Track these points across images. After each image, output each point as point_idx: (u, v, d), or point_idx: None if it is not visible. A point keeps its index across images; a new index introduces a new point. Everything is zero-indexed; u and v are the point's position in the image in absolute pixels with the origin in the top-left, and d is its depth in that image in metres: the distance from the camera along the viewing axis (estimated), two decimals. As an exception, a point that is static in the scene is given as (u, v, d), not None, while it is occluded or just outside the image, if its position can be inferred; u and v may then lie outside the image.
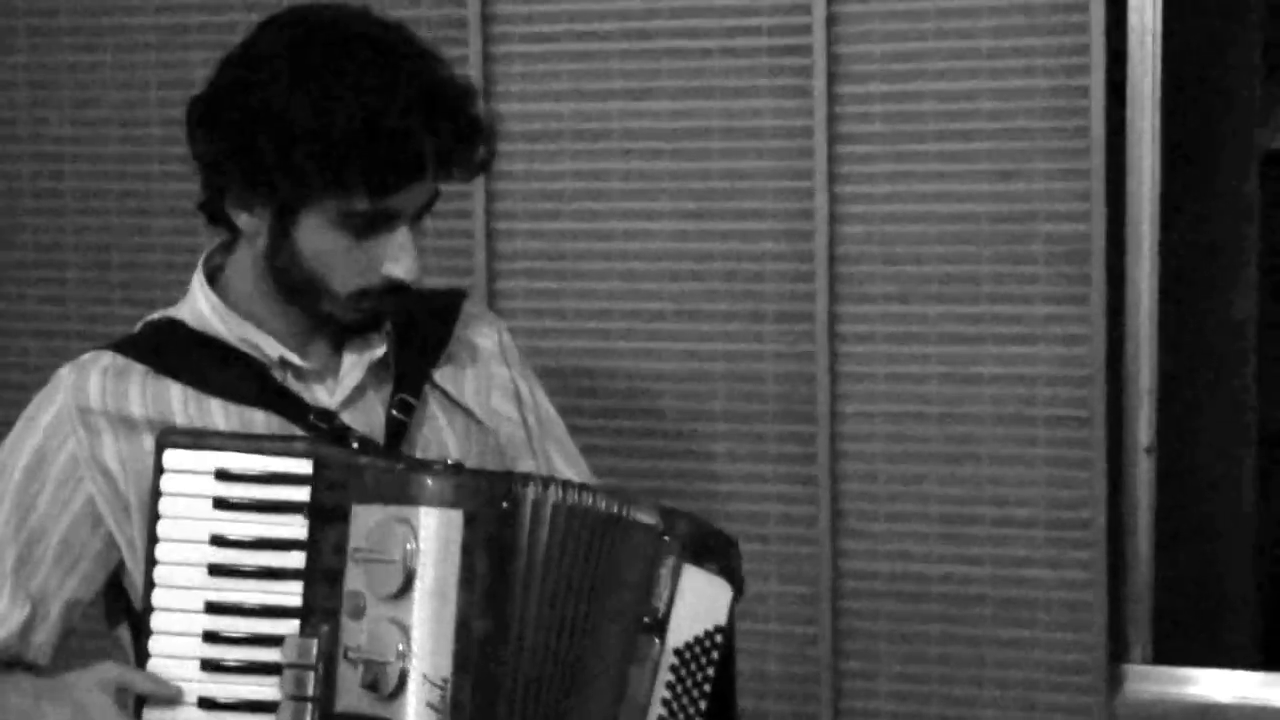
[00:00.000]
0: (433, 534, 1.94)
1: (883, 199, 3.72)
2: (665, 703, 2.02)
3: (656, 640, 2.03)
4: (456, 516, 1.95)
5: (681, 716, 2.04)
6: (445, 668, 1.93)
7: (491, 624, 1.95)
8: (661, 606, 2.03)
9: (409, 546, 1.93)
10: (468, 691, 1.93)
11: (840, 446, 3.77)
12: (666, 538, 2.05)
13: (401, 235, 2.06)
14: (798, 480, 3.80)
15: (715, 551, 2.08)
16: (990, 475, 3.70)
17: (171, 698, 1.97)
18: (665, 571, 2.04)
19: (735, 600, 2.09)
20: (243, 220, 2.10)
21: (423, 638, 1.93)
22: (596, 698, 2.00)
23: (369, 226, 2.05)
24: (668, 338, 3.82)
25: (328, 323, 2.14)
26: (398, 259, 2.07)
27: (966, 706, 3.74)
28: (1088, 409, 3.63)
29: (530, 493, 1.99)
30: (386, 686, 1.93)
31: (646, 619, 2.02)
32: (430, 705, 1.92)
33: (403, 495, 1.95)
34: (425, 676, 1.93)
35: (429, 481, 1.96)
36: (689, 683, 2.04)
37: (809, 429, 3.77)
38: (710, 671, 2.06)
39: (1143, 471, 3.78)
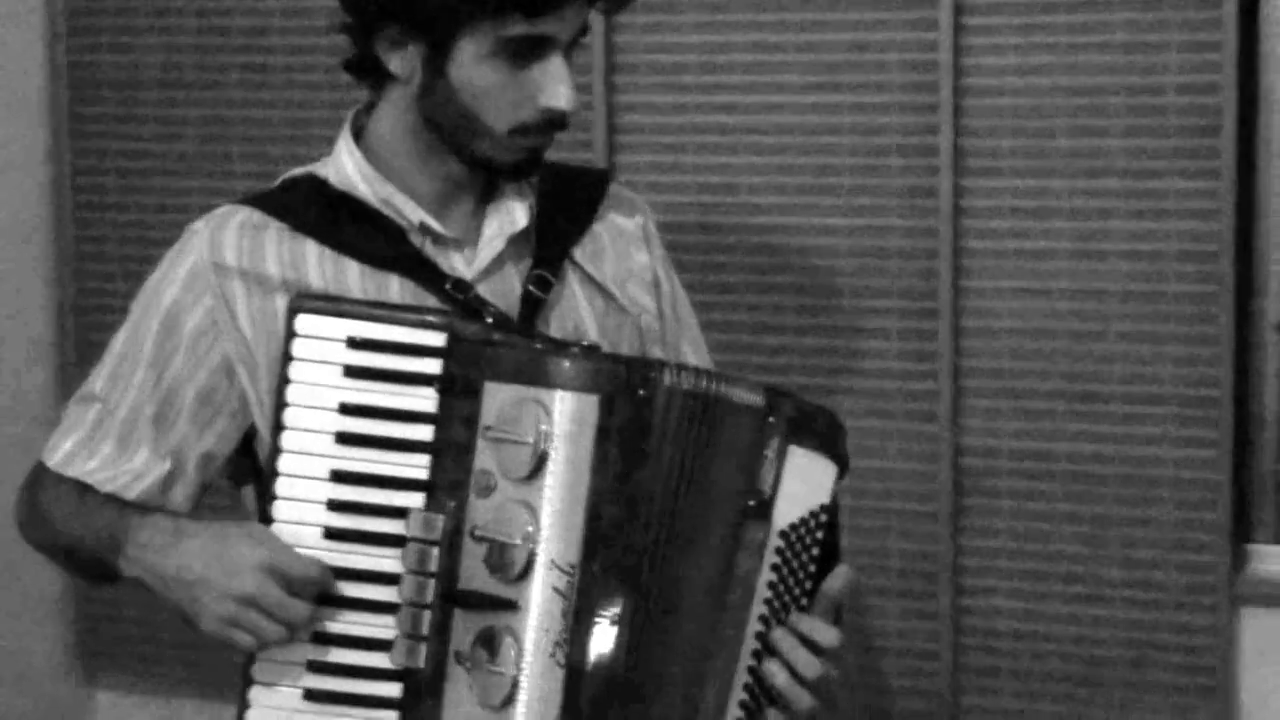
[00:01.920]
0: (567, 417, 1.92)
1: (1011, 71, 3.66)
2: (771, 585, 1.99)
3: (763, 523, 2.00)
4: (592, 401, 1.92)
5: (788, 596, 2.01)
6: (573, 553, 1.91)
7: (622, 511, 1.92)
8: (767, 489, 1.99)
9: (542, 428, 1.91)
10: (595, 578, 1.91)
11: (963, 323, 3.73)
12: (771, 419, 2.00)
13: (557, 63, 2.02)
14: (921, 357, 3.77)
15: (819, 431, 2.04)
16: (1117, 352, 3.66)
17: (316, 581, 1.96)
18: (770, 453, 2.00)
19: (840, 478, 2.06)
20: (395, 63, 2.05)
21: (552, 522, 1.91)
22: (706, 581, 1.97)
23: (525, 54, 2.01)
24: (793, 211, 3.79)
25: (484, 168, 2.09)
26: (555, 88, 2.02)
27: (1089, 584, 3.72)
28: (1217, 284, 3.57)
29: (665, 379, 1.95)
30: (512, 569, 1.91)
31: (753, 502, 1.99)
32: (556, 590, 1.91)
33: (538, 376, 1.93)
34: (553, 561, 1.91)
35: (566, 364, 1.93)
36: (794, 564, 2.01)
37: (931, 305, 3.74)
38: (815, 551, 2.03)
39: (1271, 349, 3.72)
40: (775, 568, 2.00)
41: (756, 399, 2.00)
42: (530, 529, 1.91)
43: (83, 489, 2.10)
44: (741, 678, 1.99)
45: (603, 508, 1.92)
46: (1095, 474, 3.69)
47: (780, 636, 2.00)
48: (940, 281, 3.72)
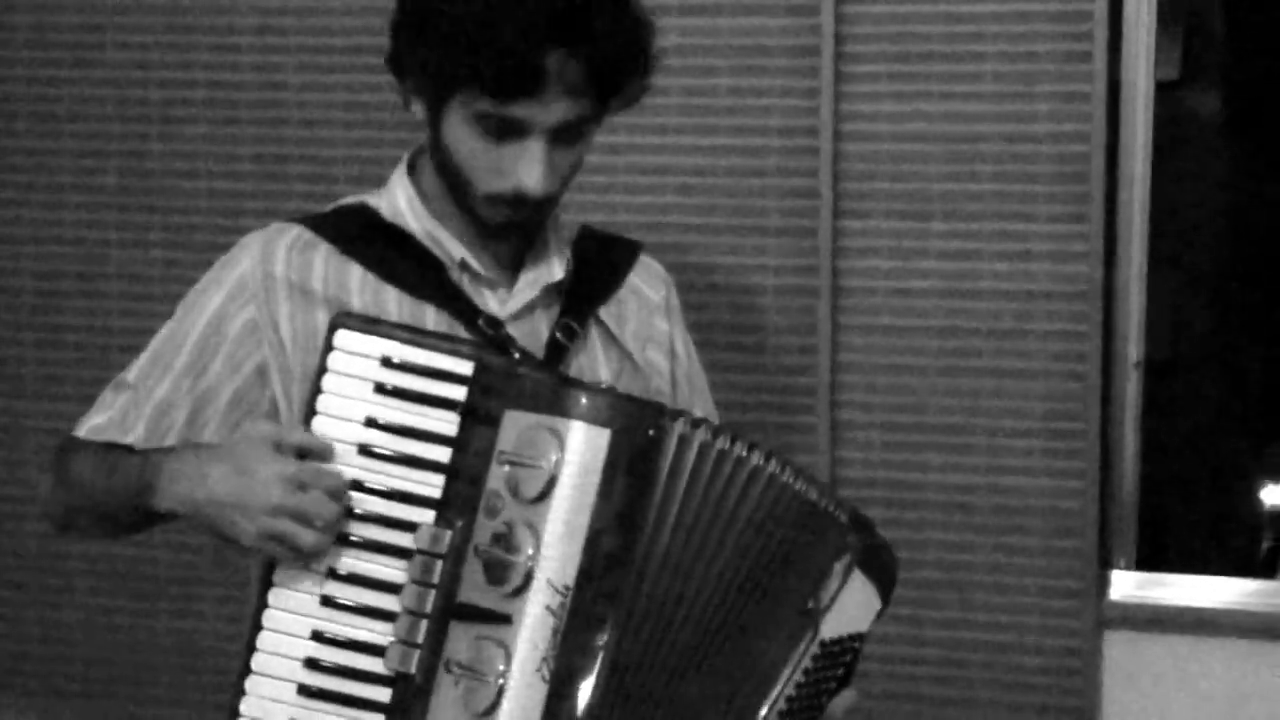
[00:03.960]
0: (579, 447, 2.00)
1: (887, 117, 3.80)
2: (799, 685, 2.08)
3: (810, 628, 2.09)
4: (604, 434, 2.00)
5: (807, 703, 2.11)
6: (569, 576, 1.99)
7: (620, 543, 2.00)
8: (826, 599, 2.09)
9: (555, 456, 2.00)
10: (587, 602, 2.00)
11: (840, 358, 3.87)
12: (850, 538, 2.12)
13: (532, 147, 2.08)
14: (799, 391, 3.90)
15: (881, 564, 2.16)
16: (988, 388, 3.81)
17: (321, 449, 2.04)
18: (839, 568, 2.10)
19: (880, 614, 2.17)
20: (414, 109, 2.16)
21: (553, 542, 1.99)
22: (733, 659, 2.06)
23: (499, 131, 2.08)
24: (673, 251, 3.87)
25: (475, 220, 2.19)
26: (524, 170, 2.10)
27: (960, 609, 3.88)
28: (1083, 324, 3.74)
29: (678, 426, 2.03)
30: (510, 584, 1.99)
31: (810, 604, 2.08)
32: (549, 609, 1.99)
33: (556, 406, 2.01)
34: (549, 580, 1.99)
35: (583, 397, 2.01)
36: (823, 675, 2.11)
37: (811, 340, 3.87)
38: (840, 672, 2.14)
39: (1132, 386, 3.89)
40: (807, 672, 2.09)
41: (840, 514, 2.12)
42: (531, 549, 2.00)
43: (111, 447, 2.19)
44: None
45: (603, 536, 2.00)
46: (966, 504, 3.84)
47: None
48: (819, 318, 3.84)
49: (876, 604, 2.16)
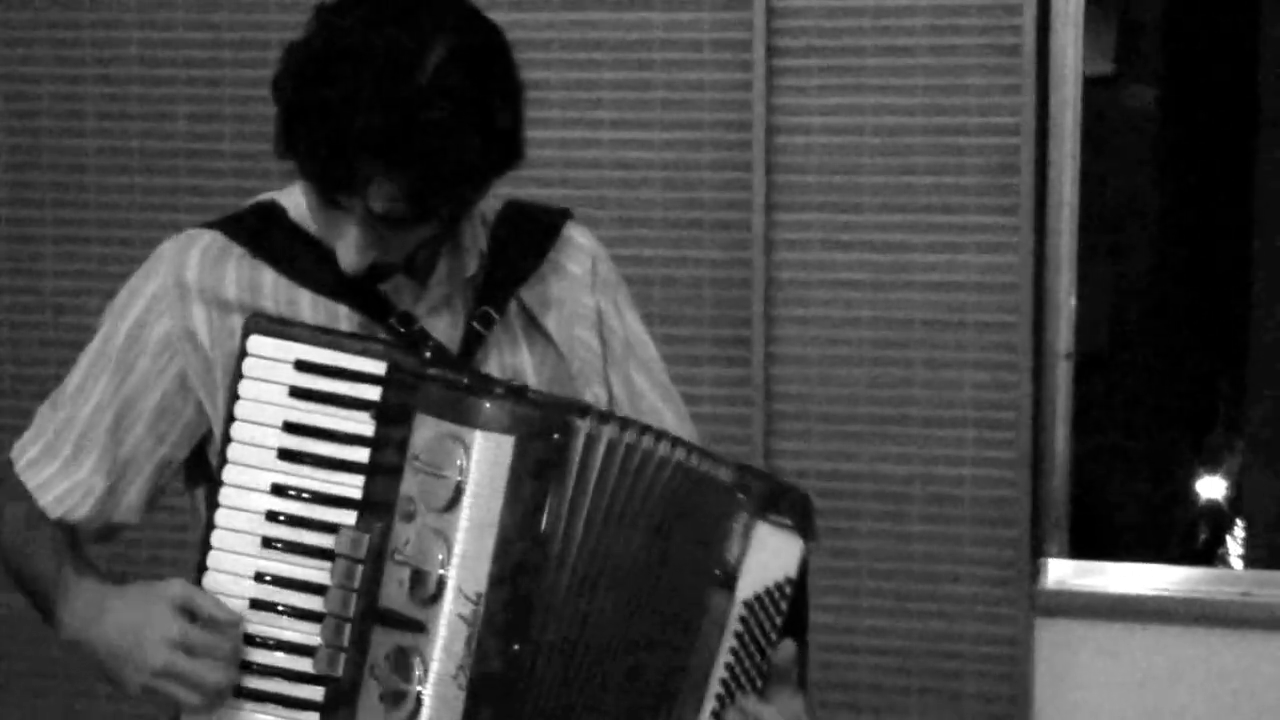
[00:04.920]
0: (483, 456, 2.00)
1: (818, 110, 3.83)
2: (733, 650, 2.09)
3: (727, 593, 2.08)
4: (507, 442, 2.00)
5: (749, 662, 2.10)
6: (480, 584, 2.00)
7: (530, 548, 2.01)
8: (732, 560, 2.08)
9: (460, 463, 2.00)
10: (500, 609, 2.00)
11: (774, 350, 3.90)
12: (740, 495, 2.09)
13: (348, 230, 2.06)
14: (732, 383, 3.93)
15: (787, 507, 2.13)
16: (920, 378, 3.85)
17: (230, 620, 2.04)
18: (738, 527, 2.08)
19: (807, 552, 2.14)
20: None
21: (462, 553, 2.00)
22: (660, 641, 2.07)
23: (323, 205, 2.07)
24: (606, 244, 3.88)
25: None
26: (340, 246, 2.08)
27: (895, 598, 3.91)
28: (1014, 314, 3.78)
29: (584, 425, 2.03)
30: (425, 592, 2.00)
31: (718, 572, 2.08)
32: (461, 617, 2.00)
33: (459, 414, 2.01)
34: (460, 589, 2.00)
35: (486, 405, 2.01)
36: (757, 631, 2.10)
37: (745, 333, 3.90)
38: (778, 620, 2.12)
39: (1062, 376, 3.93)
40: (738, 635, 2.09)
41: (725, 475, 2.09)
42: (441, 557, 2.00)
43: (35, 513, 2.20)
44: None
45: (511, 544, 2.01)
46: (899, 494, 3.88)
47: (731, 713, 2.09)
48: (753, 311, 3.88)
49: (795, 545, 2.13)
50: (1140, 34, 5.48)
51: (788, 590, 2.12)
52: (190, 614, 2.04)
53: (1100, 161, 3.98)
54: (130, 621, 2.05)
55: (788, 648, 2.14)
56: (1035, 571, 3.93)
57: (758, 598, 2.10)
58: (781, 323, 3.90)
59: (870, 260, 3.85)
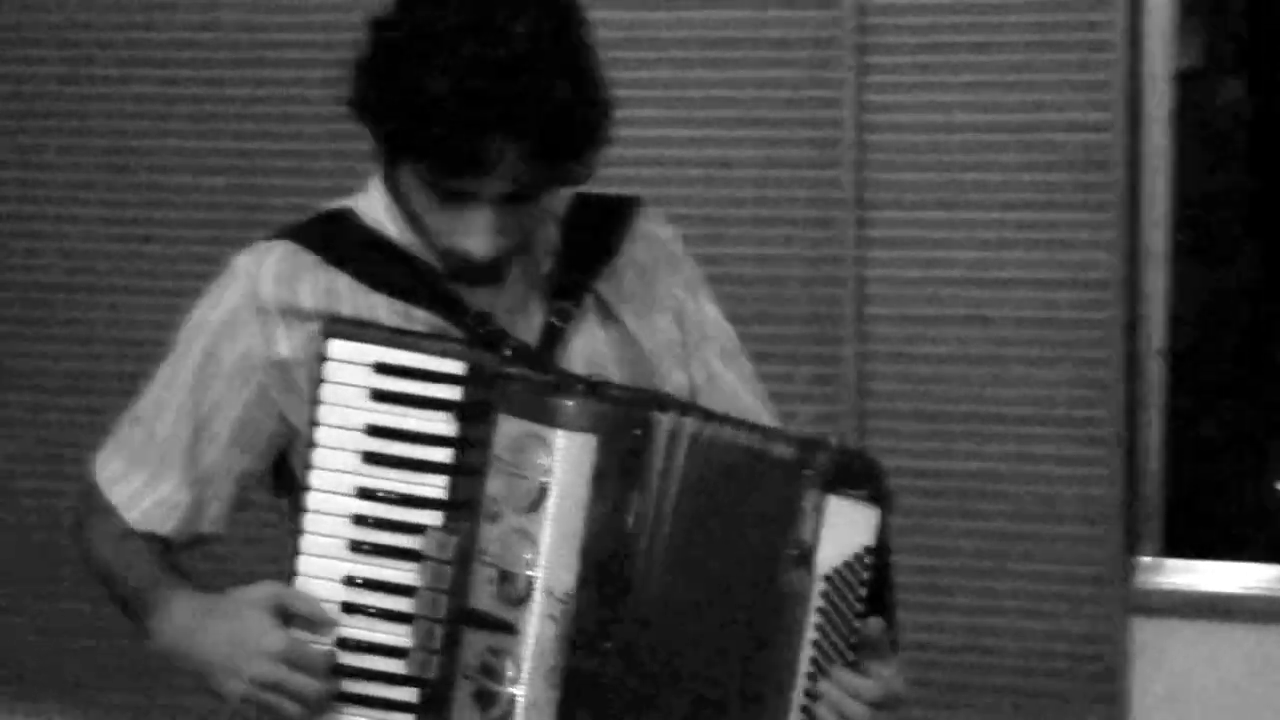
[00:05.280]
0: (566, 455, 2.02)
1: (909, 108, 3.82)
2: (818, 626, 2.08)
3: (805, 571, 2.09)
4: (590, 441, 2.02)
5: (835, 636, 2.10)
6: (569, 584, 2.02)
7: (617, 545, 2.03)
8: (807, 538, 2.08)
9: (543, 463, 2.02)
10: (589, 608, 2.02)
11: (865, 349, 3.89)
12: (807, 471, 2.09)
13: (476, 216, 2.07)
14: (824, 382, 3.92)
15: (858, 477, 2.11)
16: (1014, 376, 3.83)
17: (322, 618, 2.06)
18: (808, 505, 2.08)
19: (883, 518, 2.13)
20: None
21: (549, 553, 2.02)
22: (743, 626, 2.08)
23: (444, 198, 2.07)
24: (700, 242, 3.86)
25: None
26: (469, 235, 2.08)
27: (988, 597, 3.90)
28: (1106, 311, 3.76)
29: (666, 421, 2.04)
30: (514, 594, 2.02)
31: (794, 551, 2.08)
32: (551, 617, 2.02)
33: (541, 414, 2.03)
34: (549, 590, 2.02)
35: (567, 403, 2.03)
36: (841, 605, 2.10)
37: (835, 332, 3.89)
38: (862, 591, 2.11)
39: (1155, 373, 3.91)
40: (821, 610, 2.08)
41: (789, 450, 2.09)
42: (529, 558, 2.02)
43: (123, 527, 2.22)
44: (796, 718, 2.09)
45: (598, 543, 2.02)
46: (993, 492, 3.86)
47: (826, 689, 2.08)
48: (844, 310, 3.87)
49: (870, 514, 2.12)
50: (1229, 28, 5.45)
51: (867, 560, 2.11)
52: (284, 614, 2.07)
53: (1191, 157, 3.94)
54: (228, 632, 2.08)
55: (871, 623, 2.12)
56: (1129, 570, 3.90)
57: (837, 571, 2.10)
58: (873, 321, 3.89)
59: (961, 258, 3.83)
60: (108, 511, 2.23)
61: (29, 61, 4.27)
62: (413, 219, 2.14)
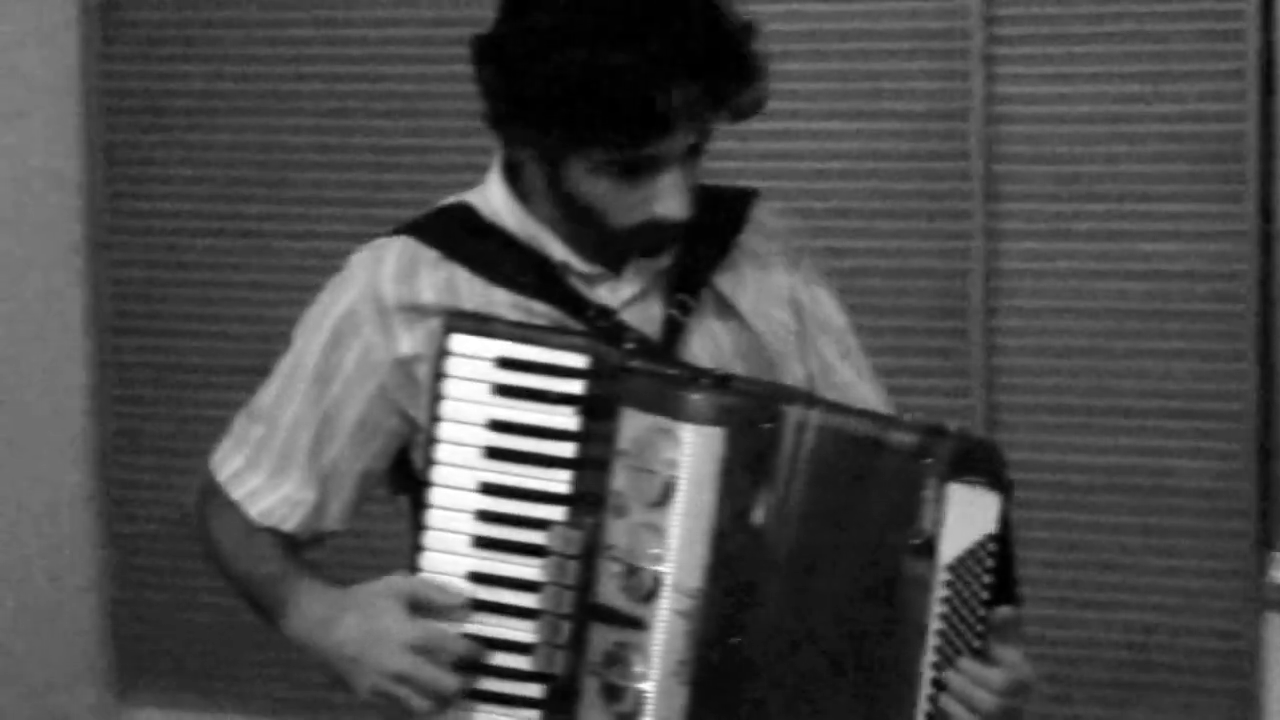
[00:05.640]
0: (693, 449, 2.01)
1: (1038, 97, 3.79)
2: (943, 616, 2.07)
3: (928, 560, 2.07)
4: (718, 434, 2.01)
5: (962, 626, 2.08)
6: (697, 579, 2.01)
7: (745, 540, 2.02)
8: (929, 528, 2.06)
9: (670, 457, 2.01)
10: (718, 604, 2.02)
11: (995, 341, 3.86)
12: (927, 460, 2.06)
13: (666, 178, 2.06)
14: (952, 374, 3.90)
15: (979, 464, 2.08)
16: (1145, 368, 3.79)
17: (453, 604, 2.07)
18: (929, 494, 2.06)
19: (1005, 504, 2.10)
20: (523, 154, 2.14)
21: (677, 548, 2.01)
22: (869, 618, 2.06)
23: (631, 171, 2.06)
24: (824, 235, 3.87)
25: (611, 246, 2.19)
26: (665, 200, 2.07)
27: (1119, 592, 3.86)
28: (1240, 301, 3.72)
29: (794, 413, 2.03)
30: (641, 589, 2.02)
31: (916, 541, 2.06)
32: (679, 613, 2.01)
33: (667, 408, 2.02)
34: (677, 585, 2.02)
35: (694, 397, 2.02)
36: (966, 593, 2.08)
37: (963, 324, 3.87)
38: (986, 579, 2.09)
39: (1289, 365, 3.87)
40: (946, 599, 2.07)
41: (909, 439, 2.07)
42: (657, 553, 2.02)
43: (248, 522, 2.23)
44: (923, 708, 2.07)
45: (727, 537, 2.02)
46: (1124, 485, 3.83)
47: (953, 679, 2.07)
48: (972, 302, 3.85)
49: (992, 501, 2.08)
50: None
51: (990, 547, 2.08)
52: (417, 604, 2.07)
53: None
54: (361, 624, 2.09)
55: (1000, 611, 2.09)
56: (1263, 565, 3.85)
57: (960, 560, 2.07)
58: (1002, 313, 3.86)
59: (1092, 249, 3.79)
60: (230, 507, 2.24)
61: (157, 59, 4.31)
62: (577, 211, 2.11)
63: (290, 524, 2.22)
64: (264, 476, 2.23)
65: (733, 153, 3.84)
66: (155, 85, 4.32)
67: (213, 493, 2.27)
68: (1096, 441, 3.84)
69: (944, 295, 3.88)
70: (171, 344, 4.39)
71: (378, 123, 4.19)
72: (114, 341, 4.41)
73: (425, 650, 2.05)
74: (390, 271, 2.18)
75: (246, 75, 4.26)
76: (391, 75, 4.15)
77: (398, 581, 2.10)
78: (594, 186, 2.08)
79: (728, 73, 2.04)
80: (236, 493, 2.24)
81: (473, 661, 2.07)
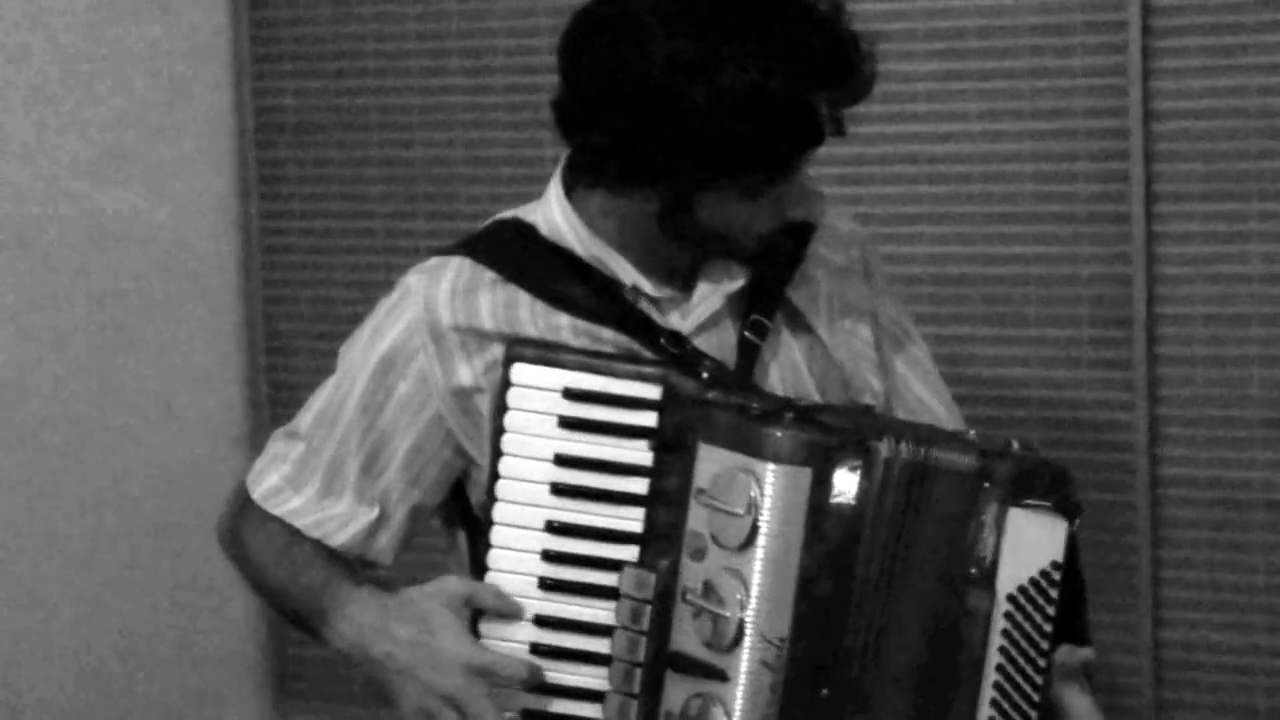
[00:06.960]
0: (779, 491, 1.90)
1: (1200, 94, 3.62)
2: (1002, 649, 1.96)
3: (986, 591, 1.96)
4: (804, 475, 1.91)
5: (1022, 660, 1.97)
6: (783, 627, 1.90)
7: (833, 586, 1.91)
8: (988, 555, 1.96)
9: (754, 497, 1.90)
10: (806, 653, 1.90)
11: (1158, 350, 3.69)
12: (986, 484, 1.97)
13: (803, 183, 2.04)
14: (1114, 386, 3.73)
15: (1042, 487, 1.99)
16: (1314, 378, 3.60)
17: (513, 612, 1.97)
18: (988, 519, 1.96)
19: (1071, 529, 2.01)
20: (632, 195, 2.03)
21: (763, 595, 1.90)
22: (931, 656, 1.95)
23: (769, 185, 1.99)
24: (979, 241, 3.76)
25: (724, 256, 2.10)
26: (800, 204, 2.05)
27: (1289, 616, 3.67)
28: None
29: (883, 449, 1.93)
30: (723, 638, 1.91)
31: (973, 570, 1.96)
32: (765, 663, 1.90)
33: (749, 445, 1.91)
34: (763, 634, 1.90)
35: (777, 434, 1.91)
36: (1027, 626, 1.97)
37: (1125, 334, 3.70)
38: (1050, 610, 1.98)
39: None
40: (1005, 632, 1.96)
41: (969, 462, 1.96)
42: (740, 599, 1.90)
43: (290, 533, 2.13)
44: None
45: (814, 582, 1.91)
46: (1294, 502, 3.64)
47: None
48: (1134, 309, 3.68)
49: (1058, 527, 1.99)
50: None
51: (1055, 577, 1.98)
52: (474, 612, 1.97)
53: None
54: (417, 638, 1.98)
55: (1070, 652, 2.00)
56: None
57: (1022, 590, 1.96)
58: (1166, 321, 3.68)
59: (1259, 252, 3.61)
60: (266, 521, 2.14)
61: (307, 75, 4.28)
62: (701, 237, 2.03)
63: (338, 540, 2.11)
64: (305, 497, 2.12)
65: (887, 157, 3.77)
66: (307, 102, 4.29)
67: (246, 510, 2.17)
68: (1265, 457, 3.65)
69: (1105, 304, 3.72)
70: (325, 364, 4.34)
71: (527, 134, 4.12)
72: (268, 360, 4.38)
73: (482, 673, 1.94)
74: (446, 294, 2.08)
75: (397, 89, 4.22)
76: (536, 86, 4.08)
77: (454, 585, 1.99)
78: (725, 214, 1.99)
79: (860, 72, 1.99)
80: (276, 509, 2.13)
81: (529, 714, 1.97)
